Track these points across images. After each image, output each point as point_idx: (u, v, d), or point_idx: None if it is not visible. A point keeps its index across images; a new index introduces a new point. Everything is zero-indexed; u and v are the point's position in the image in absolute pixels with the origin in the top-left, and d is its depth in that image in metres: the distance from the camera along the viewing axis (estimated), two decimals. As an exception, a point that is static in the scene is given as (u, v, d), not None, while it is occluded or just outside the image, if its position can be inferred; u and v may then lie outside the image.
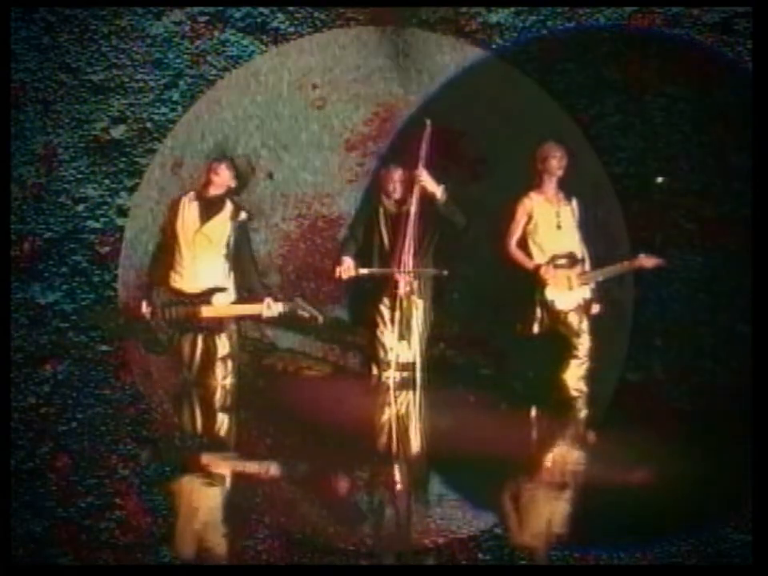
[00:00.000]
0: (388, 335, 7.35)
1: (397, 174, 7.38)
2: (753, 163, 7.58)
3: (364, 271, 7.34)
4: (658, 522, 5.02)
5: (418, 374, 7.30)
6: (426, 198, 7.26)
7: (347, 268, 7.31)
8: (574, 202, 7.55)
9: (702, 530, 4.94)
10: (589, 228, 7.67)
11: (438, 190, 7.24)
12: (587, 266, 7.55)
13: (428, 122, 7.31)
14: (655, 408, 7.19)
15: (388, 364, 7.35)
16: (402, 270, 7.26)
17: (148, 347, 7.70)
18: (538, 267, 7.43)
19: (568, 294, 7.44)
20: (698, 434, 6.60)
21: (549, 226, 7.47)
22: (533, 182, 7.52)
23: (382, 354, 7.37)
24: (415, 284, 7.33)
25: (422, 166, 7.20)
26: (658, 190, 7.97)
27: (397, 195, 7.36)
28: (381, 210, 7.42)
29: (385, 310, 7.36)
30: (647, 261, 7.53)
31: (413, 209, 7.23)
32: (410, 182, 7.28)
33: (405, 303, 7.31)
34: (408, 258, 7.27)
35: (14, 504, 4.93)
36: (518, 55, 7.98)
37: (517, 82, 7.99)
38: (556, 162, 7.46)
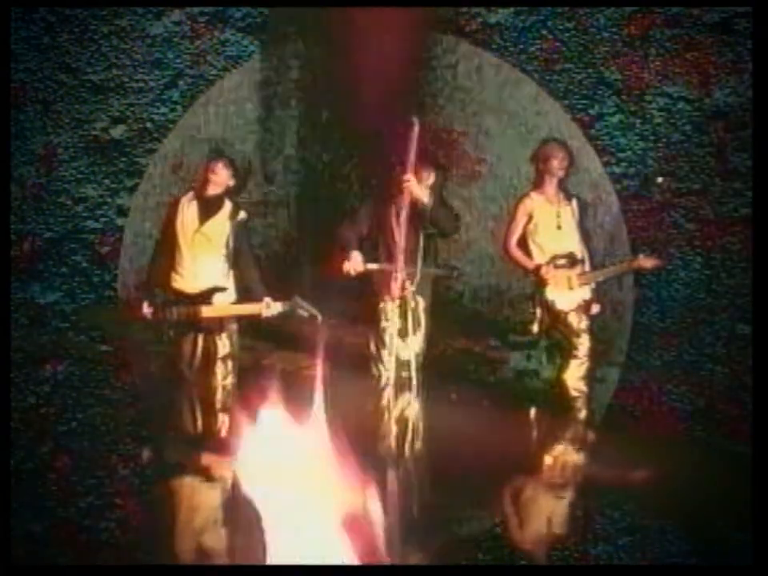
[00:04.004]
0: (388, 335, 7.34)
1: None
2: (753, 163, 7.59)
3: (372, 266, 7.31)
4: (658, 522, 5.02)
5: (418, 374, 7.30)
6: (415, 202, 7.22)
7: (357, 263, 7.27)
8: (574, 202, 7.55)
9: (702, 530, 4.94)
10: (589, 228, 7.67)
11: (424, 195, 7.19)
12: (587, 267, 7.55)
13: (415, 120, 7.26)
14: (655, 408, 7.20)
15: (388, 363, 7.34)
16: (402, 268, 7.24)
17: (148, 347, 7.70)
18: (538, 267, 7.43)
19: (568, 294, 7.43)
20: (698, 434, 6.60)
21: (549, 226, 7.47)
22: (533, 182, 7.52)
23: (381, 353, 7.36)
24: (415, 283, 7.32)
25: (409, 172, 7.15)
26: (658, 189, 7.97)
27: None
28: (382, 209, 7.40)
29: (385, 309, 7.36)
30: (647, 261, 7.53)
31: (404, 212, 7.20)
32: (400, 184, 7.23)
33: (405, 302, 7.31)
34: (408, 258, 7.26)
35: (14, 504, 4.93)
36: (518, 55, 7.99)
37: (517, 82, 7.99)
38: (557, 162, 7.46)
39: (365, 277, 7.37)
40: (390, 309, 7.33)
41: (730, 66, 7.85)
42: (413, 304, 7.32)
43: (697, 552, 4.71)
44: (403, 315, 7.30)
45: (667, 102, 7.97)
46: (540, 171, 7.50)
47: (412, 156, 7.17)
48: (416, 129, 7.19)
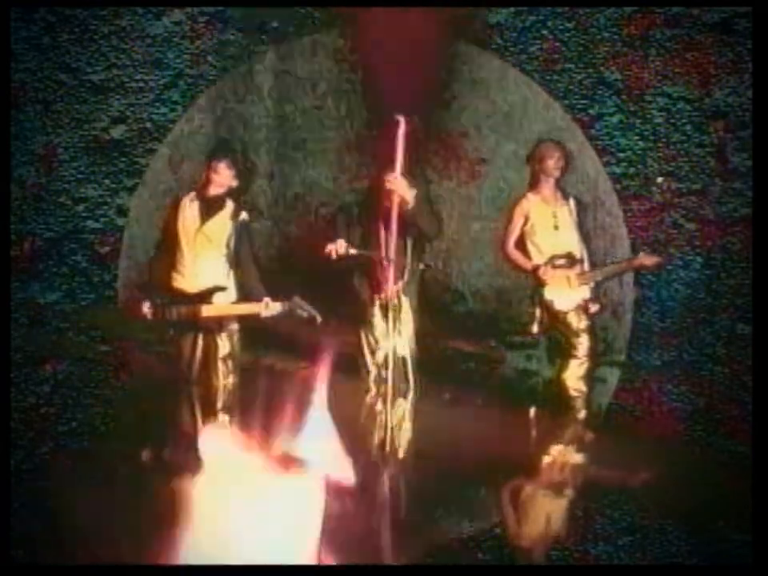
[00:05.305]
0: (378, 334, 7.35)
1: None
2: (753, 163, 7.59)
3: (354, 251, 7.26)
4: (658, 522, 5.03)
5: (414, 374, 7.31)
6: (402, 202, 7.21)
7: (339, 246, 7.22)
8: (572, 202, 7.56)
9: (702, 530, 4.95)
10: (589, 228, 7.68)
11: (409, 195, 7.17)
12: (586, 266, 7.55)
13: (401, 118, 7.22)
14: (655, 408, 7.20)
15: (380, 364, 7.35)
16: (391, 268, 7.25)
17: (148, 347, 7.70)
18: (536, 268, 7.44)
19: (567, 294, 7.44)
20: (698, 434, 6.61)
21: (546, 227, 7.48)
22: (530, 183, 7.54)
23: (373, 353, 7.37)
24: (402, 283, 7.33)
25: (396, 171, 7.12)
26: (658, 190, 7.98)
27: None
28: (373, 209, 7.42)
29: (374, 308, 7.36)
30: (648, 259, 7.54)
31: (394, 212, 7.19)
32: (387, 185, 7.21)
33: (396, 302, 7.32)
34: (396, 257, 7.28)
35: (14, 504, 4.93)
36: (518, 55, 7.99)
37: (517, 82, 7.99)
38: (553, 162, 7.47)
39: (348, 262, 7.34)
40: (378, 308, 7.33)
41: (730, 65, 7.85)
42: (399, 303, 7.32)
43: (697, 552, 4.71)
44: (394, 314, 7.32)
45: (667, 102, 7.97)
46: (536, 172, 7.52)
47: (400, 154, 7.16)
48: (402, 127, 7.18)
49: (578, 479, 5.95)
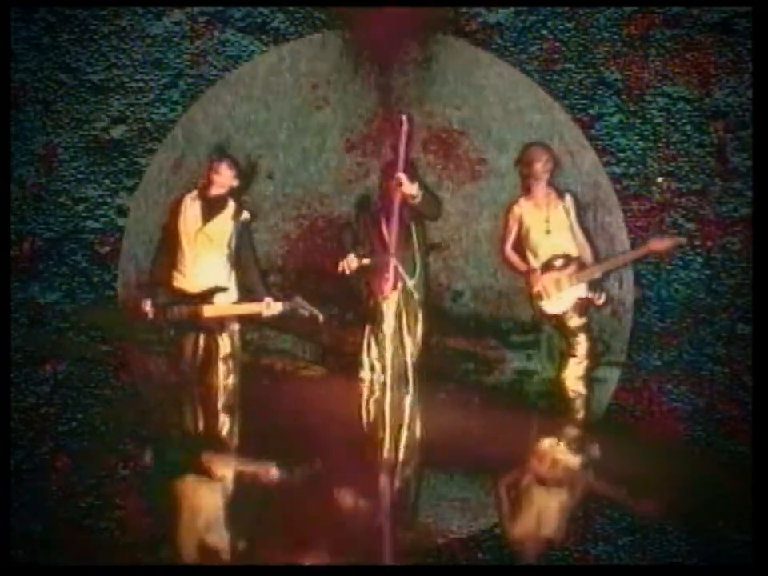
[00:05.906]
0: (383, 334, 7.35)
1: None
2: (753, 163, 7.60)
3: (365, 261, 7.39)
4: (658, 522, 5.03)
5: (414, 373, 7.32)
6: (406, 199, 7.31)
7: (351, 261, 7.35)
8: (569, 199, 7.56)
9: (702, 530, 4.94)
10: (589, 228, 7.69)
11: (413, 190, 7.27)
12: (589, 261, 7.54)
13: (404, 117, 7.32)
14: (655, 408, 7.20)
15: (384, 364, 7.35)
16: (394, 266, 7.29)
17: (148, 347, 7.70)
18: (527, 272, 7.49)
19: (561, 296, 7.45)
20: (698, 434, 6.61)
21: (538, 231, 7.51)
22: (521, 188, 7.59)
23: (377, 353, 7.37)
24: (416, 277, 7.37)
25: (400, 171, 7.23)
26: (658, 190, 7.98)
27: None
28: (374, 210, 7.49)
29: (379, 308, 7.37)
30: (659, 244, 7.52)
31: (396, 212, 7.27)
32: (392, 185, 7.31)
33: (399, 300, 7.34)
34: (401, 254, 7.32)
35: (14, 504, 4.93)
36: (518, 55, 7.99)
37: (517, 81, 7.99)
38: (540, 165, 7.49)
39: (359, 274, 7.42)
40: (384, 307, 7.36)
41: (730, 65, 7.86)
42: (409, 299, 7.37)
43: (697, 552, 4.71)
44: (403, 311, 7.36)
45: (667, 102, 7.97)
46: (525, 176, 7.55)
47: (403, 153, 7.23)
48: (405, 126, 7.24)
49: (577, 479, 5.94)
